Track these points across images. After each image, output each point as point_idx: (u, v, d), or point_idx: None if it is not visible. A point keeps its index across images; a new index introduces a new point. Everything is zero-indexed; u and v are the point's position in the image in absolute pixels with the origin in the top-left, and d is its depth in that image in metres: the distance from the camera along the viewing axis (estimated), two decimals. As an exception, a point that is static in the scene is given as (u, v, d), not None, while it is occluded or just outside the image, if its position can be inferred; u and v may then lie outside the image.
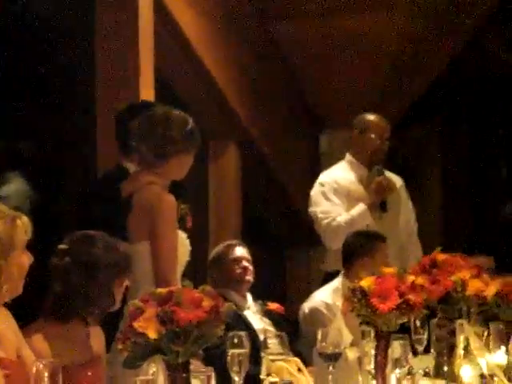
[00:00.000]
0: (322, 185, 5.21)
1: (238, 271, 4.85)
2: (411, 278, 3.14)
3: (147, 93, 4.80)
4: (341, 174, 5.29)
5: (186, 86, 6.39)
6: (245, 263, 4.88)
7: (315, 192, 5.22)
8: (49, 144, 5.17)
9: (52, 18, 5.19)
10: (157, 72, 4.98)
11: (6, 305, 2.76)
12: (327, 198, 5.17)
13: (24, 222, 2.76)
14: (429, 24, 7.24)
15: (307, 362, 3.54)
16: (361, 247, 4.75)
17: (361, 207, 5.12)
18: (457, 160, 9.18)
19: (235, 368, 2.70)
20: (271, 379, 2.93)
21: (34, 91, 5.55)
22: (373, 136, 5.23)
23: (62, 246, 3.22)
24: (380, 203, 5.18)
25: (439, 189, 9.11)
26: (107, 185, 3.94)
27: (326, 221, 5.12)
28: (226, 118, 7.01)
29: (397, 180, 5.38)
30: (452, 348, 3.26)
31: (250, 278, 4.87)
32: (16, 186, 4.39)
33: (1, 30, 5.14)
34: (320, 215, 5.15)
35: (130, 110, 4.02)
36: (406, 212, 5.38)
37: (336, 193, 5.18)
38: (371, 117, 5.31)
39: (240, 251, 4.93)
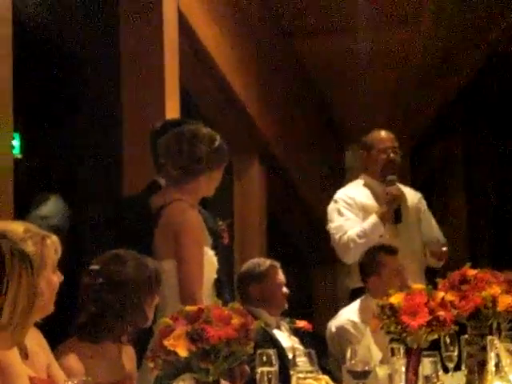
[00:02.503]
0: (336, 201, 5.22)
1: (281, 297, 4.71)
2: (441, 294, 3.12)
3: (172, 108, 4.81)
4: (355, 190, 5.29)
5: (209, 103, 6.41)
6: (285, 290, 4.76)
7: (330, 209, 5.24)
8: (77, 164, 5.22)
9: (77, 39, 5.24)
10: (182, 91, 5.00)
11: (36, 324, 2.77)
12: (340, 214, 5.15)
13: (54, 241, 2.76)
14: (453, 37, 7.23)
15: (336, 380, 3.50)
16: (368, 263, 4.75)
17: (372, 218, 5.08)
18: (480, 175, 9.13)
19: (264, 386, 2.68)
20: (301, 397, 2.90)
21: (61, 112, 5.60)
22: (378, 152, 5.22)
23: (94, 267, 3.23)
24: (394, 214, 5.14)
25: (464, 204, 9.06)
26: (139, 199, 3.95)
27: (337, 235, 5.11)
28: (250, 134, 7.02)
29: (414, 194, 5.35)
30: (483, 365, 3.23)
31: (287, 304, 4.77)
32: (56, 205, 4.46)
33: (27, 53, 5.19)
34: (333, 231, 5.14)
35: (161, 128, 4.02)
36: (428, 225, 5.32)
37: (350, 208, 5.18)
38: (373, 134, 5.32)
39: (282, 275, 4.78)
